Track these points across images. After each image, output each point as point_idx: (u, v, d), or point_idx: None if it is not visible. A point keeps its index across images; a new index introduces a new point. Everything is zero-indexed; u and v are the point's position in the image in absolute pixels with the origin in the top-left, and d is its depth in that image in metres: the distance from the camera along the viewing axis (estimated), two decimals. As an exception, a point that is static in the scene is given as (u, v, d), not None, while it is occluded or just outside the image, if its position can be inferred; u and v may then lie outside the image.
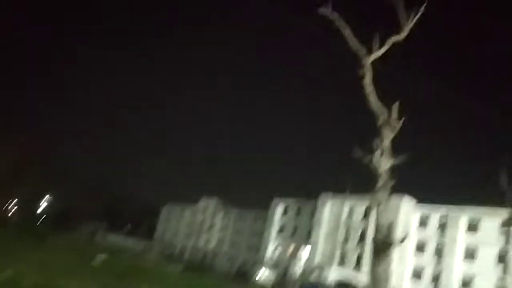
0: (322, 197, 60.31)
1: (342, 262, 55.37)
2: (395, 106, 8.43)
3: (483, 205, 46.21)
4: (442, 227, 49.46)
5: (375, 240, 8.52)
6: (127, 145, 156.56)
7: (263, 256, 64.37)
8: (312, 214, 61.24)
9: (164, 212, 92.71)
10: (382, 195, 8.73)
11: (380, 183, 8.58)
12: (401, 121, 8.51)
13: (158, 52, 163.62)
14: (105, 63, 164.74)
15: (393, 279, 49.16)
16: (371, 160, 8.54)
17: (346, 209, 57.83)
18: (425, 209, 51.49)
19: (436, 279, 47.97)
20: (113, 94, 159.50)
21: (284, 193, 67.67)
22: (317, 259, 56.85)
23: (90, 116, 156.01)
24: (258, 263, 61.22)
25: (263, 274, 54.16)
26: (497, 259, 44.32)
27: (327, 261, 55.51)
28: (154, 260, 38.03)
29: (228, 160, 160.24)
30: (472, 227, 47.29)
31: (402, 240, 9.46)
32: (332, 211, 58.95)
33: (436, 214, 50.12)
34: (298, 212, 65.20)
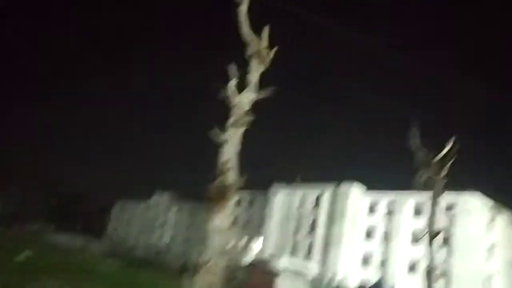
0: (274, 188, 59.95)
1: (293, 251, 55.09)
2: (265, 33, 7.48)
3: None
4: (390, 213, 49.96)
5: (213, 185, 7.50)
6: (77, 142, 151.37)
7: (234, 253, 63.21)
8: (264, 205, 60.73)
9: (116, 209, 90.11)
10: (233, 131, 7.66)
11: (234, 117, 7.50)
12: (272, 51, 7.53)
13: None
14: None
15: (343, 266, 49.33)
16: (226, 92, 7.48)
17: (297, 199, 57.62)
18: (373, 195, 51.85)
19: (383, 264, 48.39)
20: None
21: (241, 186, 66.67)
22: (269, 249, 56.31)
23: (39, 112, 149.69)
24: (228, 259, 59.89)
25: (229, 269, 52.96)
26: (441, 244, 45.05)
27: (279, 251, 55.05)
28: (90, 257, 36.18)
29: (182, 152, 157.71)
30: (418, 211, 47.93)
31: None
32: (283, 201, 58.65)
33: (384, 200, 50.53)
34: (251, 204, 64.57)
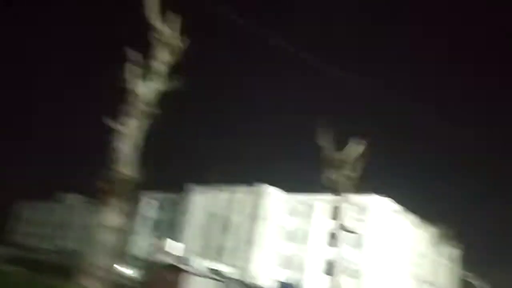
0: (188, 189, 59.02)
1: (211, 254, 54.42)
2: (176, 22, 6.83)
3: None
4: (308, 214, 51.18)
5: (103, 179, 6.79)
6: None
7: (127, 252, 60.71)
8: (178, 206, 59.55)
9: (17, 210, 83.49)
10: (132, 122, 6.94)
11: (132, 107, 6.76)
12: (185, 42, 6.90)
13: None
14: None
15: (258, 267, 49.59)
16: (123, 79, 6.75)
17: (212, 200, 57.18)
18: (291, 198, 52.85)
19: (301, 265, 49.41)
20: None
21: (151, 187, 64.85)
22: (184, 251, 55.09)
23: None
24: (120, 259, 57.32)
25: (123, 271, 50.61)
26: (353, 244, 47.04)
27: (194, 253, 54.08)
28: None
29: (92, 152, 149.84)
30: (333, 215, 49.59)
31: None
32: (198, 203, 57.87)
33: (301, 203, 51.63)
34: (165, 206, 63.05)
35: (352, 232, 10.73)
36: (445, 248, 53.93)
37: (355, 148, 8.62)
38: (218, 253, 54.27)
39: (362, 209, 47.63)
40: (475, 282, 44.47)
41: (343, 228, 8.49)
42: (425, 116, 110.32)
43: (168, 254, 53.98)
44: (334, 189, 8.64)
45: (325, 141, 8.64)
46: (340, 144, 9.04)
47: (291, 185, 53.34)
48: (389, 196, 47.26)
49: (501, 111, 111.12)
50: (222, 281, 20.80)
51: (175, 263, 10.34)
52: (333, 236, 48.21)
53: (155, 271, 10.06)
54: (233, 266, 51.63)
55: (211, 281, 10.85)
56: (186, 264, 48.17)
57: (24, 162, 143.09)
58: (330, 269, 47.40)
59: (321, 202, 50.15)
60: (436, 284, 51.08)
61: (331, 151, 8.74)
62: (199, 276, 10.24)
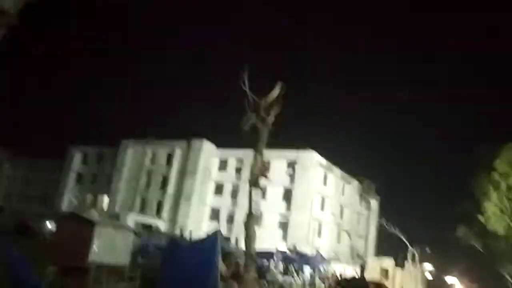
0: (123, 144, 57.66)
1: (143, 209, 54.41)
2: None
3: (273, 148, 50.02)
4: (239, 169, 52.24)
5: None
6: None
7: (58, 208, 59.03)
8: (113, 161, 58.23)
9: None
10: None
11: None
12: None
13: None
14: None
15: (192, 221, 50.47)
16: None
17: (147, 155, 56.56)
18: (223, 153, 53.50)
19: (231, 218, 50.86)
20: None
21: (82, 140, 62.60)
22: (118, 206, 54.62)
23: None
24: (49, 216, 55.70)
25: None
26: (281, 197, 49.16)
27: (128, 208, 53.78)
28: None
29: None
30: (266, 170, 51.08)
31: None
32: (133, 158, 56.98)
33: (233, 157, 52.45)
34: (98, 160, 61.44)
35: (263, 176, 10.76)
36: (366, 200, 57.83)
37: (276, 94, 8.77)
38: (149, 207, 54.35)
39: (290, 163, 49.53)
40: (392, 231, 48.31)
41: (255, 174, 8.60)
42: (356, 69, 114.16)
43: (96, 208, 53.29)
44: (250, 134, 8.82)
45: (245, 85, 8.74)
46: (264, 91, 9.21)
47: (223, 138, 53.72)
48: (315, 150, 49.35)
49: (430, 72, 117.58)
50: (136, 232, 20.91)
51: (81, 214, 10.34)
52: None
53: (62, 222, 10.04)
54: (165, 220, 52.14)
55: (122, 231, 10.95)
56: (117, 219, 47.96)
57: None
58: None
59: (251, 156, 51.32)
60: (356, 233, 55.11)
61: (251, 95, 8.89)
62: (107, 226, 10.34)
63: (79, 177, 61.88)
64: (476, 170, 37.26)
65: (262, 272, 19.27)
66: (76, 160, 62.53)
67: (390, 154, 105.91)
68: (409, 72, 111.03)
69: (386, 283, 34.87)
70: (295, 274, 24.66)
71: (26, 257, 9.40)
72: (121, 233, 10.97)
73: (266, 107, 9.20)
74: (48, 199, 62.51)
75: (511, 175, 35.20)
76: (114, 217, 48.84)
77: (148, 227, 45.71)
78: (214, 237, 16.19)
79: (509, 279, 40.31)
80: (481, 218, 37.60)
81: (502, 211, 36.90)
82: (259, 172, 9.46)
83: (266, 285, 16.88)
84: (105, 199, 56.90)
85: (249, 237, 8.87)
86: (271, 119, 9.21)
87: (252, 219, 8.96)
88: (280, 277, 21.12)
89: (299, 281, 23.38)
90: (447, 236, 45.07)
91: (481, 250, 41.78)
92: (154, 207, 54.27)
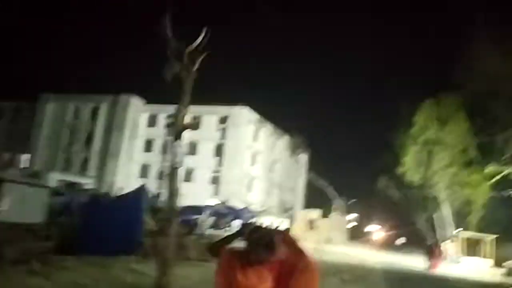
0: (43, 98, 53.94)
1: (67, 167, 51.98)
2: None
3: (204, 103, 49.32)
4: (168, 125, 51.08)
5: None
6: None
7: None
8: (32, 117, 54.48)
9: None
10: None
11: None
12: None
13: None
14: None
15: (121, 179, 49.18)
16: None
17: (70, 110, 53.54)
18: (153, 108, 51.92)
19: (161, 175, 50.14)
20: None
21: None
22: (38, 164, 51.68)
23: None
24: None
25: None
26: (214, 153, 49.08)
27: (51, 167, 51.10)
28: None
29: None
30: (195, 124, 50.43)
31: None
32: (54, 113, 53.66)
33: (163, 113, 51.11)
34: (14, 116, 57.19)
35: (188, 127, 10.41)
36: (296, 154, 59.38)
37: (201, 40, 8.24)
38: (74, 165, 52.07)
39: (221, 118, 49.24)
40: (320, 184, 50.31)
41: (178, 126, 8.17)
42: (287, 25, 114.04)
43: (15, 167, 50.06)
44: (180, 88, 8.32)
45: (167, 30, 8.13)
46: (190, 40, 8.65)
47: (153, 94, 51.96)
48: (247, 106, 49.31)
49: (355, 31, 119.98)
50: (57, 190, 19.95)
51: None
52: (196, 146, 49.64)
53: None
54: (92, 178, 50.27)
55: (35, 189, 10.28)
56: (37, 177, 45.43)
57: None
58: (191, 177, 49.33)
59: (186, 113, 50.28)
60: (286, 187, 56.79)
61: (174, 41, 8.33)
62: (17, 183, 9.62)
63: (-4, 134, 57.47)
64: (397, 126, 39.37)
65: (190, 227, 19.25)
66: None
67: (319, 109, 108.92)
68: (335, 31, 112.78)
69: (312, 232, 36.64)
70: (224, 228, 24.99)
71: None
72: (34, 190, 10.21)
73: (190, 54, 8.62)
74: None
75: (428, 129, 37.53)
76: (34, 176, 46.41)
77: (72, 185, 43.88)
78: (138, 192, 15.74)
79: (421, 224, 43.98)
80: (399, 170, 40.18)
81: (418, 163, 39.63)
82: (183, 124, 8.98)
83: (195, 239, 16.86)
84: (24, 157, 53.47)
85: (172, 192, 8.52)
86: (195, 67, 8.68)
87: (175, 173, 8.57)
88: (208, 231, 21.29)
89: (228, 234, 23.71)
90: (369, 187, 47.90)
91: (398, 199, 44.96)
92: (80, 165, 52.06)
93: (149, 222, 16.61)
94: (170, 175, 8.79)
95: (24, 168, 50.98)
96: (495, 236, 34.89)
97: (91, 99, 52.33)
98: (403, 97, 36.92)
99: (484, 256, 35.58)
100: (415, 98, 38.64)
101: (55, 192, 30.73)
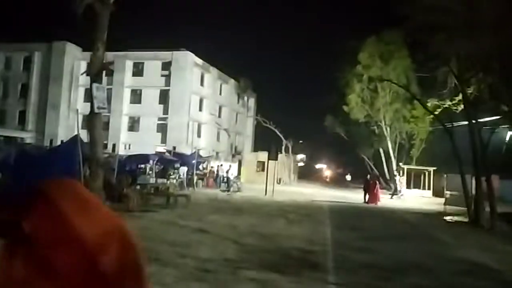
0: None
1: (2, 121, 48.80)
2: None
3: (146, 49, 47.05)
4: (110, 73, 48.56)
5: None
6: None
7: None
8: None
9: None
10: None
11: None
12: None
13: None
14: None
15: (63, 131, 46.84)
16: None
17: (1, 61, 49.56)
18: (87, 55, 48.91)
19: (106, 124, 48.22)
20: None
21: None
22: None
23: None
24: None
25: None
26: (158, 100, 47.49)
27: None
28: None
29: None
30: (137, 71, 48.26)
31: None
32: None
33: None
34: None
35: (108, 64, 9.35)
36: (243, 98, 58.75)
37: None
38: (10, 119, 48.98)
39: (165, 64, 47.29)
40: (268, 126, 50.37)
41: (98, 72, 7.18)
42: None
43: None
44: (94, 23, 7.29)
45: None
46: None
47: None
48: (191, 50, 47.55)
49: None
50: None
51: None
52: (135, 93, 47.71)
53: None
54: (31, 131, 47.68)
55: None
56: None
57: None
58: (89, 120, 47.80)
59: (128, 60, 47.88)
60: (235, 131, 56.56)
61: None
62: None
63: None
64: (342, 65, 39.42)
65: (133, 177, 18.61)
66: None
67: (264, 52, 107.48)
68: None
69: (262, 174, 36.93)
70: (171, 175, 24.51)
71: None
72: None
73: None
74: None
75: (372, 67, 37.86)
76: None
77: (10, 139, 41.48)
78: (71, 143, 14.74)
79: (367, 160, 45.56)
80: (345, 108, 40.77)
81: (363, 100, 40.29)
82: (101, 65, 8.09)
83: (137, 189, 16.29)
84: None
85: (94, 139, 7.79)
86: (112, -1, 7.63)
87: (96, 118, 7.81)
88: (152, 180, 20.75)
89: (174, 182, 23.30)
90: (317, 127, 48.68)
91: (345, 137, 46.02)
92: (16, 118, 49.00)
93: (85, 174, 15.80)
94: (90, 121, 8.02)
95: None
96: (434, 168, 36.78)
97: (23, 47, 48.36)
98: (348, 35, 36.76)
99: (424, 188, 37.60)
100: (359, 36, 38.60)
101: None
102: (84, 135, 39.74)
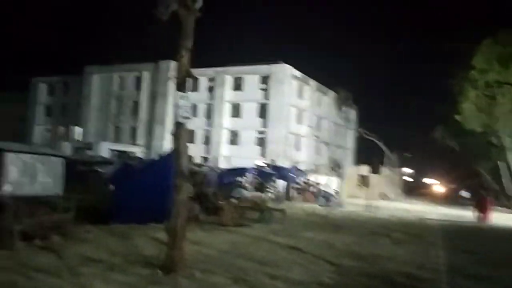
0: (87, 70, 54.63)
1: (117, 136, 52.98)
2: None
3: (244, 63, 47.88)
4: (211, 88, 50.30)
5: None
6: None
7: (30, 142, 57.25)
8: (80, 90, 55.58)
9: None
10: None
11: None
12: None
13: None
14: None
15: (168, 145, 49.30)
16: None
17: (116, 81, 54.00)
18: (194, 72, 50.96)
19: (207, 138, 49.87)
20: None
21: (44, 71, 59.31)
22: (90, 136, 52.99)
23: None
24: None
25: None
26: (257, 113, 47.89)
27: (102, 137, 52.24)
28: None
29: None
30: (237, 86, 49.29)
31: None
32: (100, 85, 54.38)
33: (204, 77, 50.15)
34: (64, 90, 58.71)
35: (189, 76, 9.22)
36: (343, 110, 56.98)
37: None
38: (123, 134, 52.94)
39: (263, 78, 47.67)
40: (370, 138, 48.12)
41: (183, 81, 6.75)
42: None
43: (69, 139, 51.64)
44: (180, 30, 6.92)
45: None
46: None
47: (193, 59, 50.91)
48: (289, 63, 47.34)
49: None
50: (109, 160, 19.57)
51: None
52: (239, 108, 48.59)
53: None
54: (141, 146, 50.95)
55: (48, 158, 9.57)
56: (89, 148, 46.49)
57: None
58: (236, 139, 48.63)
59: (225, 75, 49.24)
60: (335, 144, 54.89)
61: None
62: (16, 152, 8.86)
63: (47, 109, 59.55)
64: (453, 70, 36.06)
65: (229, 190, 18.42)
66: (42, 92, 59.74)
67: (365, 62, 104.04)
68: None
69: (365, 188, 34.94)
70: (268, 189, 24.03)
71: None
72: (45, 160, 9.43)
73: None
74: (19, 134, 60.44)
75: (489, 71, 34.07)
76: (87, 147, 47.57)
77: (123, 154, 44.60)
78: (169, 156, 14.86)
79: (484, 174, 40.93)
80: (458, 118, 37.11)
81: (479, 109, 36.30)
82: (185, 73, 7.67)
83: (232, 202, 15.93)
84: (77, 130, 55.00)
85: (179, 151, 7.35)
86: (197, 4, 7.22)
87: (180, 128, 7.37)
88: (248, 193, 20.37)
89: (270, 195, 22.76)
90: (425, 139, 45.13)
91: (457, 149, 41.92)
92: (128, 134, 52.86)
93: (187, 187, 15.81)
94: (175, 133, 7.60)
95: (77, 140, 52.55)
96: None
97: (133, 68, 52.36)
98: (459, 39, 33.63)
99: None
100: (472, 39, 35.02)
101: (105, 162, 31.00)
102: (189, 150, 41.26)
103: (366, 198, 25.01)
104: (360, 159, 52.08)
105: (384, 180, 41.14)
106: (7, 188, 8.56)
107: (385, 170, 45.02)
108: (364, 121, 52.91)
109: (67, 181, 11.40)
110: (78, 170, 25.77)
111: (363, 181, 37.76)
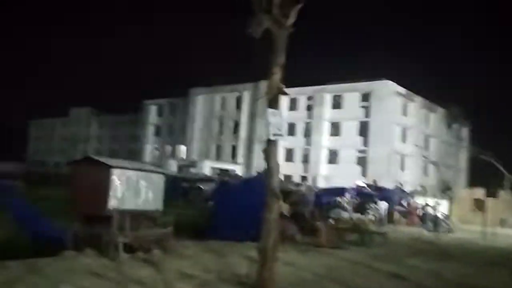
0: (193, 92, 57.90)
1: (219, 155, 55.00)
2: None
3: (343, 81, 46.98)
4: (309, 107, 50.08)
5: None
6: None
7: (140, 160, 62.00)
8: (186, 111, 59.03)
9: (32, 129, 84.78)
10: None
11: None
12: None
13: None
14: None
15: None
16: None
17: (218, 102, 56.39)
18: (292, 92, 51.24)
19: (306, 157, 49.50)
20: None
21: (154, 94, 64.47)
22: (194, 155, 55.76)
23: None
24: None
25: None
26: (358, 132, 46.43)
27: (204, 156, 54.65)
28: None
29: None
30: (336, 104, 48.43)
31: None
32: (204, 105, 57.21)
33: (302, 96, 50.13)
34: (172, 111, 62.85)
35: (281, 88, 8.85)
36: (454, 127, 52.99)
37: None
38: (224, 153, 54.76)
39: (364, 95, 46.28)
40: (485, 158, 43.95)
41: (275, 97, 6.55)
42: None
43: (176, 157, 54.90)
44: (271, 46, 6.79)
45: None
46: None
47: (292, 78, 51.34)
48: (392, 79, 45.40)
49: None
50: (209, 178, 20.19)
51: (98, 158, 9.56)
52: (338, 126, 47.61)
53: (77, 167, 9.34)
54: (241, 164, 52.24)
55: (150, 174, 9.96)
56: (193, 166, 48.81)
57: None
58: (336, 159, 47.52)
59: (323, 93, 48.77)
60: (445, 164, 51.03)
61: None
62: (122, 168, 9.29)
63: (157, 129, 64.15)
64: None
65: (327, 210, 17.81)
66: (152, 113, 64.56)
67: (476, 76, 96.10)
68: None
69: (480, 213, 31.76)
70: (369, 210, 22.86)
71: (40, 209, 8.80)
72: (149, 176, 9.90)
73: (280, 4, 7.06)
74: (133, 153, 65.85)
75: None
76: (191, 165, 50.07)
77: (224, 172, 46.10)
78: (262, 174, 14.90)
79: None
80: None
81: None
82: (277, 89, 7.49)
83: (329, 223, 15.33)
84: (182, 149, 58.32)
85: (270, 169, 7.14)
86: (290, 20, 7.05)
87: (272, 146, 7.18)
88: (346, 214, 19.50)
89: (371, 217, 21.57)
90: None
91: None
92: (229, 152, 54.58)
93: (282, 206, 15.63)
94: (266, 150, 7.41)
95: (182, 158, 55.64)
96: None
97: (234, 88, 54.30)
98: None
99: None
100: None
101: (207, 179, 32.21)
102: (287, 168, 41.10)
103: (482, 224, 22.58)
104: (474, 181, 47.61)
105: (502, 204, 37.06)
106: (113, 203, 9.04)
107: (503, 194, 40.59)
108: (478, 140, 48.44)
109: (171, 196, 11.89)
110: (182, 187, 27.21)
111: (478, 205, 34.37)
